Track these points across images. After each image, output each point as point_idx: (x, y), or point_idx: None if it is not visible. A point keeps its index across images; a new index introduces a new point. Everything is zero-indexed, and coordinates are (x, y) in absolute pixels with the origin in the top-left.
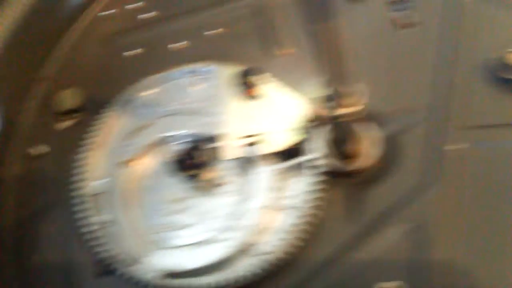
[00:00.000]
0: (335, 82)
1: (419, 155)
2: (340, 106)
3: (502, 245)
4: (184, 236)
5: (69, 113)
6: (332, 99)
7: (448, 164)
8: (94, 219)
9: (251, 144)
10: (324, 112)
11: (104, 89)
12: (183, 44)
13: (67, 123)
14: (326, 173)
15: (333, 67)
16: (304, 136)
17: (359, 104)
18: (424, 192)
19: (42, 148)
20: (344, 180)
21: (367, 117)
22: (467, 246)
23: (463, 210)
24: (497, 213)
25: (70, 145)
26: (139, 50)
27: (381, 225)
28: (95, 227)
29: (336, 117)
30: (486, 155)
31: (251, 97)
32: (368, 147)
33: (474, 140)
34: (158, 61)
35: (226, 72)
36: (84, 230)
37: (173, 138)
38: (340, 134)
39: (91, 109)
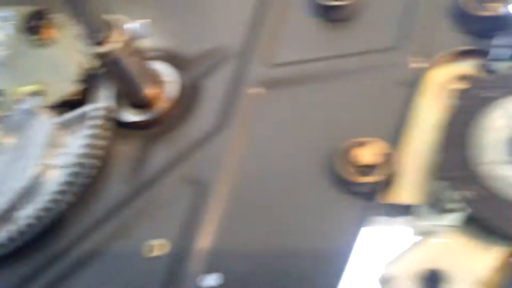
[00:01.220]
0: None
1: (218, 100)
2: (104, 42)
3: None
4: None
5: None
6: (95, 35)
7: (245, 109)
8: None
9: (30, 96)
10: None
11: None
12: None
13: None
14: (117, 124)
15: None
16: (88, 85)
17: (123, 38)
18: (212, 142)
19: None
20: (136, 132)
21: (166, 59)
22: (239, 208)
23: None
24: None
25: None
26: None
27: (161, 179)
28: None
29: (103, 55)
30: (283, 99)
31: (40, 43)
32: (165, 92)
33: (274, 84)
34: None
35: (17, 16)
36: None
37: None
38: (117, 74)
39: None
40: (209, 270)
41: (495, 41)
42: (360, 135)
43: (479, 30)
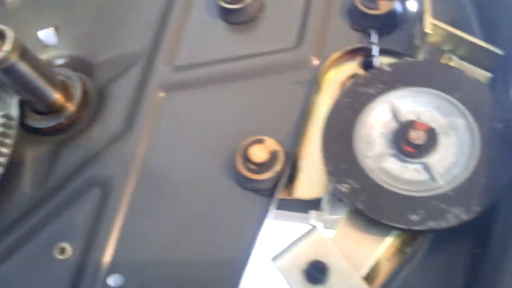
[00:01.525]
0: None
1: (125, 104)
2: None
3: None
4: None
5: None
6: None
7: (151, 112)
8: None
9: None
10: None
11: None
12: None
13: None
14: (26, 131)
15: None
16: None
17: (15, 47)
18: (118, 145)
19: None
20: (46, 138)
21: (74, 65)
22: (144, 209)
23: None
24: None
25: None
26: None
27: (70, 183)
28: None
29: None
30: (187, 101)
31: None
32: (72, 98)
33: (178, 86)
34: None
35: None
36: None
37: None
38: (15, 82)
39: None
40: (112, 271)
41: (372, 38)
42: (261, 133)
43: (374, 28)
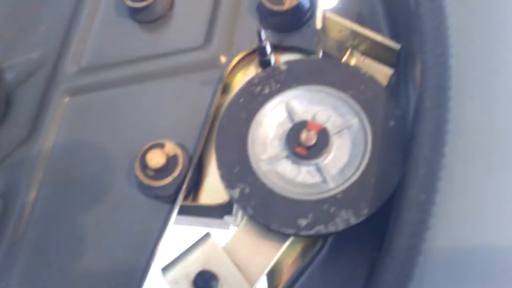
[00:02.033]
0: None
1: (30, 109)
2: None
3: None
4: None
5: None
6: None
7: (56, 117)
8: None
9: None
10: None
11: None
12: None
13: None
14: None
15: None
16: None
17: None
18: (23, 152)
19: None
20: None
21: None
22: (46, 218)
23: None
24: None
25: None
26: None
27: None
28: None
29: None
30: (92, 104)
31: None
32: None
33: (84, 89)
34: None
35: None
36: None
37: None
38: None
39: None
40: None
41: (262, 37)
42: (166, 137)
43: (281, 25)
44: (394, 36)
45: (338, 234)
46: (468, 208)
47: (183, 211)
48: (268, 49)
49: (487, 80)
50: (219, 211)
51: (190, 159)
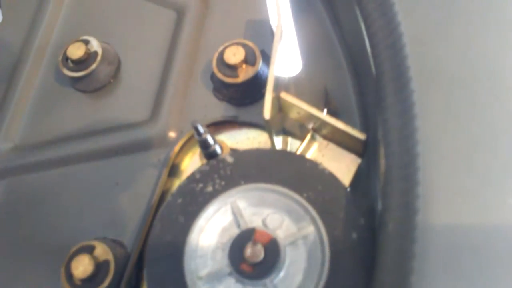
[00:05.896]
0: None
1: None
2: None
3: None
4: None
5: None
6: None
7: None
8: None
9: None
10: None
11: None
12: None
13: None
14: None
15: None
16: None
17: None
18: None
19: None
20: None
21: None
22: None
23: None
24: None
25: None
26: None
27: None
28: None
29: None
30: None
31: None
32: None
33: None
34: None
35: None
36: None
37: None
38: None
39: None
40: None
41: (200, 129)
42: (101, 233)
43: (236, 99)
44: (365, 114)
45: None
46: None
47: None
48: (210, 141)
49: None
50: None
51: (127, 259)
